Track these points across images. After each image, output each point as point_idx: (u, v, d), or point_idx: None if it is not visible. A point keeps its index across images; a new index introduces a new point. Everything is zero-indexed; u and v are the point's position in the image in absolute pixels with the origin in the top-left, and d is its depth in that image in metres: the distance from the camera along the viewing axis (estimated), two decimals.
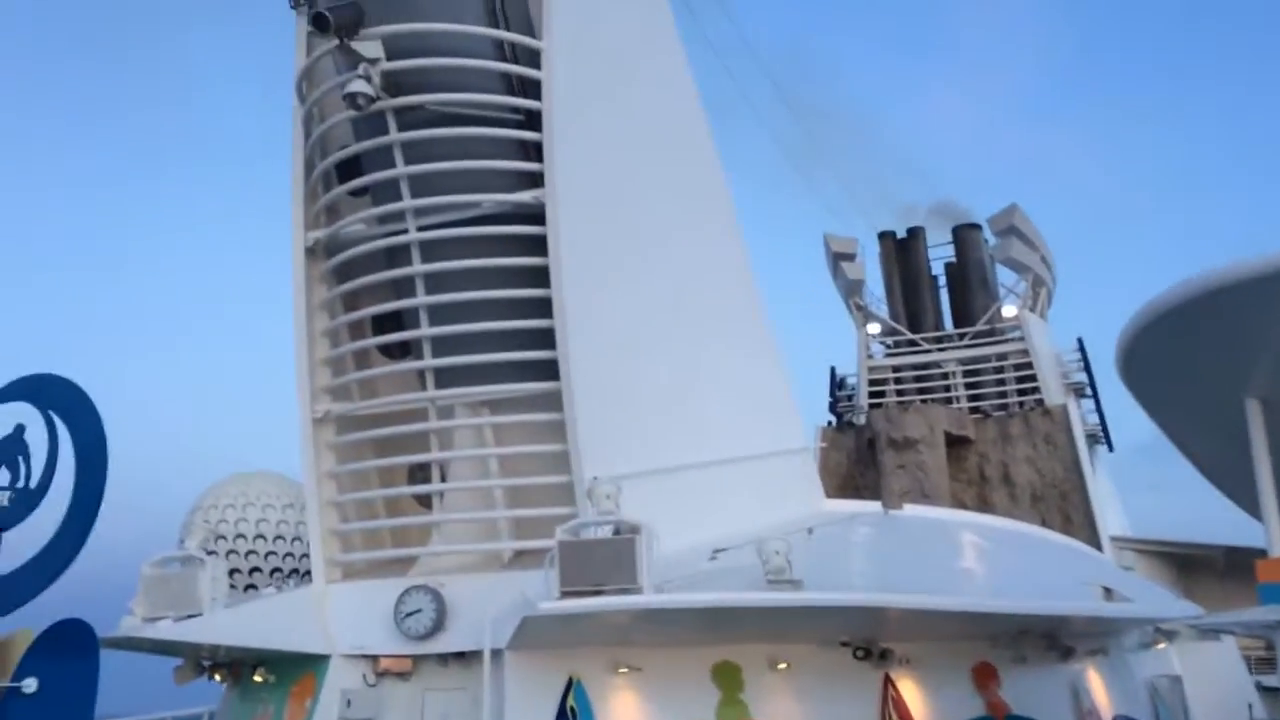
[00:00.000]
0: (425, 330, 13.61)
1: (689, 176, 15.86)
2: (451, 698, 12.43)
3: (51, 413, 8.03)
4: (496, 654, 11.79)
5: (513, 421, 13.54)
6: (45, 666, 7.48)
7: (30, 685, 7.45)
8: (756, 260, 16.59)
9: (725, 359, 15.34)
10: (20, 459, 8.01)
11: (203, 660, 14.50)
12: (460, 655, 12.45)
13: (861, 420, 30.76)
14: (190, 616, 12.98)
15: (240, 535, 16.77)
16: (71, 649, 7.63)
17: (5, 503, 7.85)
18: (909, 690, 12.37)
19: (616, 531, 11.20)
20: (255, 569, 16.75)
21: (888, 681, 12.26)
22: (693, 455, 13.77)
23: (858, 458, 29.45)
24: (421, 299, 13.59)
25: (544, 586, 10.99)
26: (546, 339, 13.14)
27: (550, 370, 13.11)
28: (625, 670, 11.74)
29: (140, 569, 13.37)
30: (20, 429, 8.06)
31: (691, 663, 12.01)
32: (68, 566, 7.86)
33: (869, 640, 12.23)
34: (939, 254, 35.61)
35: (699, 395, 14.52)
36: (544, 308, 13.17)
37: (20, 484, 7.91)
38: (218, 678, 14.76)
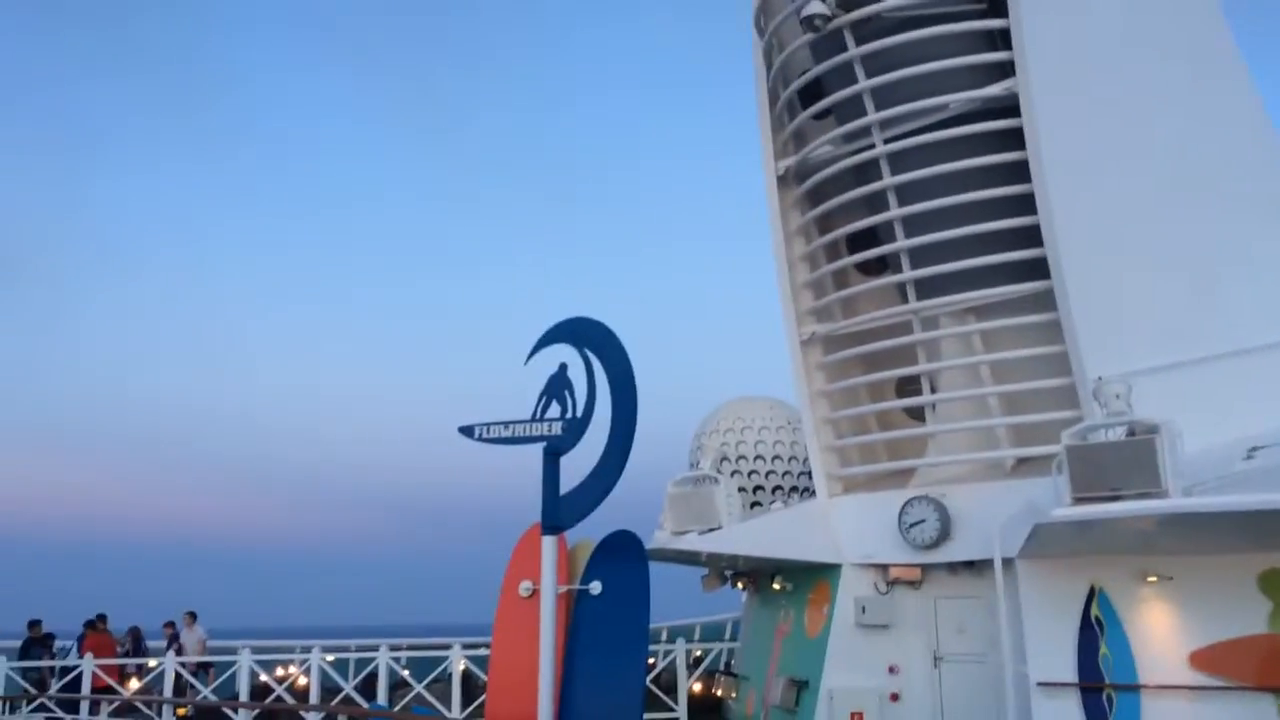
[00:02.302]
0: (902, 243, 13.51)
1: (1177, 26, 14.04)
2: (964, 606, 12.43)
3: (587, 351, 9.08)
4: (1008, 563, 11.57)
5: (1003, 326, 13.08)
6: (606, 571, 8.56)
7: (596, 587, 8.55)
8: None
9: (1246, 231, 13.54)
10: (566, 393, 9.17)
11: (724, 570, 15.80)
12: (969, 564, 12.39)
13: None
14: (711, 530, 14.19)
15: (742, 457, 17.77)
16: (625, 556, 8.65)
17: (559, 431, 9.03)
18: None
19: (1131, 433, 10.43)
20: (758, 487, 17.67)
21: None
22: (1214, 345, 12.39)
23: None
24: (895, 211, 13.49)
25: (1053, 494, 10.56)
26: (1032, 237, 12.48)
27: (1039, 269, 12.46)
28: (1154, 579, 10.97)
29: (665, 488, 14.84)
30: (564, 367, 9.21)
31: (1232, 570, 10.92)
32: (614, 484, 8.89)
33: None
34: None
35: (1216, 276, 12.98)
36: (1026, 204, 12.51)
37: (569, 415, 9.05)
38: (740, 585, 16.01)
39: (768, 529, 14.16)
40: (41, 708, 15.71)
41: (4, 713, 14.80)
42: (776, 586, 14.82)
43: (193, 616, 18.82)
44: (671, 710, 17.53)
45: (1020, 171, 12.53)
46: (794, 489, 17.33)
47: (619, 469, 8.81)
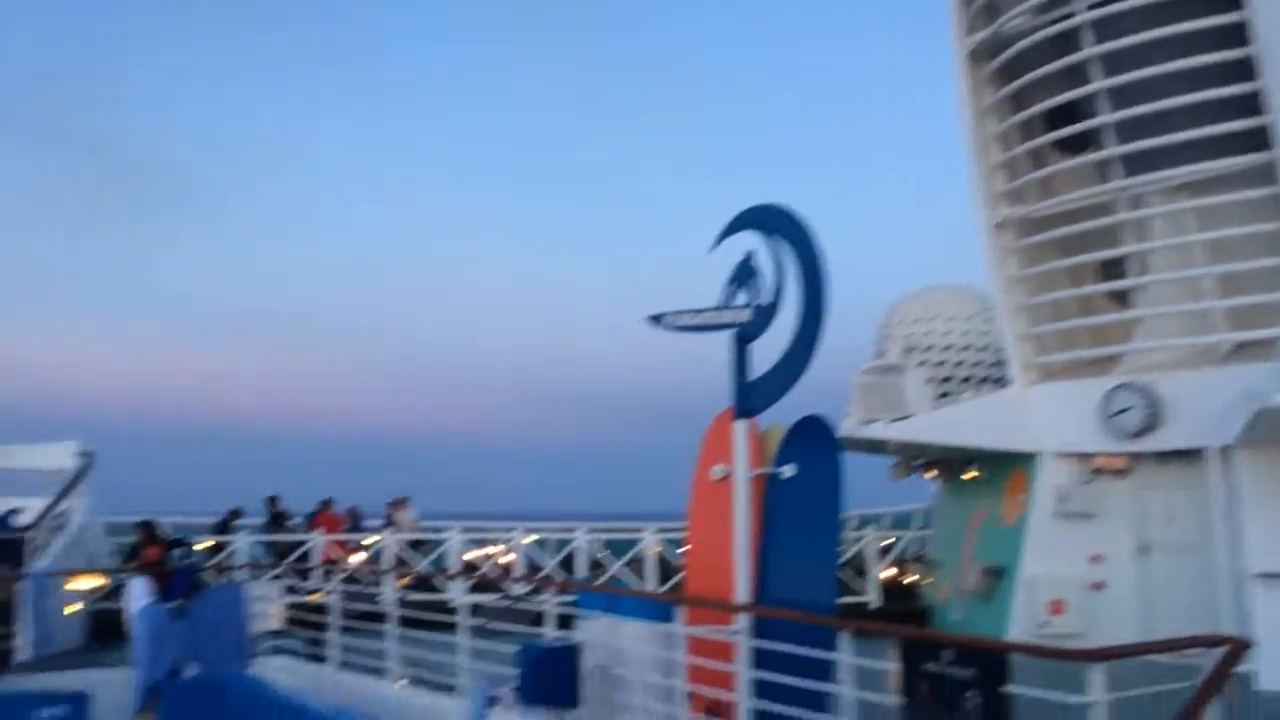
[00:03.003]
0: (1108, 116, 12.74)
1: None
2: (1174, 495, 12.00)
3: (775, 237, 9.06)
4: (1224, 451, 11.06)
5: (1219, 203, 12.25)
6: (799, 455, 8.66)
7: (789, 470, 8.68)
8: None
9: None
10: (754, 280, 9.19)
11: (913, 459, 15.71)
12: (1180, 453, 11.90)
13: None
14: (899, 419, 14.09)
15: (930, 347, 17.42)
16: (817, 440, 8.72)
17: (748, 318, 9.10)
18: None
19: None
20: (946, 378, 17.34)
21: None
22: None
23: None
24: (1101, 83, 12.70)
25: (1275, 378, 9.99)
26: (1251, 106, 11.57)
27: (1258, 140, 11.57)
28: None
29: (853, 377, 14.79)
30: (751, 254, 9.22)
31: None
32: (803, 371, 8.92)
33: None
34: None
35: None
36: (1244, 70, 11.58)
37: (757, 302, 9.10)
38: (930, 475, 15.90)
39: (961, 418, 13.96)
40: (280, 577, 17.36)
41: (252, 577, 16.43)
42: (970, 475, 14.65)
43: (405, 501, 20.24)
44: (863, 596, 17.75)
45: (1238, 35, 11.58)
46: (984, 379, 16.92)
47: (808, 356, 8.83)
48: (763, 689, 7.52)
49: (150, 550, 13.96)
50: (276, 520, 19.61)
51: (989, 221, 14.35)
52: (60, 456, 18.14)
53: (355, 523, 20.19)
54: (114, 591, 13.86)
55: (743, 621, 7.85)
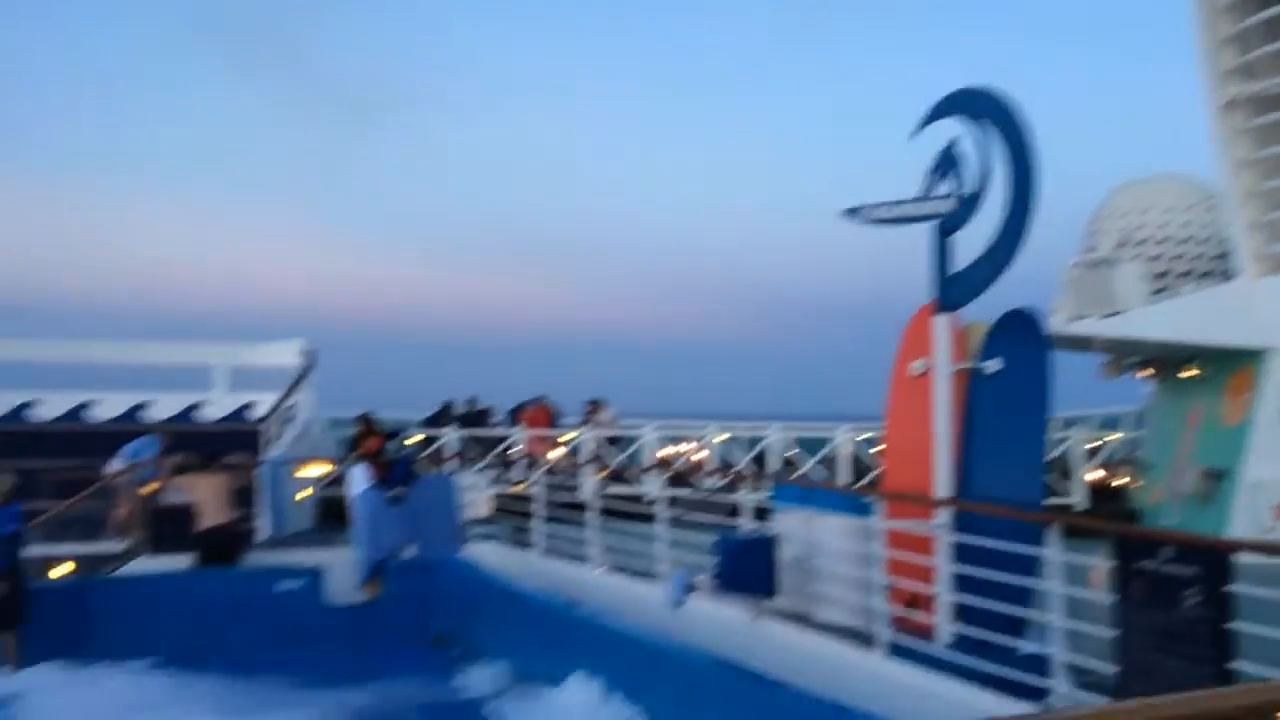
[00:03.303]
0: None
1: None
2: None
3: (981, 122, 8.63)
4: None
5: None
6: (1004, 349, 8.37)
7: (993, 365, 8.41)
8: None
9: None
10: (958, 168, 8.80)
11: (1126, 357, 14.93)
12: None
13: None
14: (1111, 315, 13.39)
15: (1145, 239, 16.42)
16: (1024, 334, 8.39)
17: (951, 209, 8.75)
18: None
19: None
20: (1163, 272, 16.33)
21: None
22: None
23: None
24: None
25: None
26: None
27: None
28: None
29: (1062, 270, 14.11)
30: (954, 141, 8.82)
31: None
32: (1009, 263, 8.54)
33: None
34: None
35: None
36: None
37: (960, 191, 8.72)
38: (1143, 374, 15.09)
39: (1181, 312, 13.16)
40: (487, 470, 18.31)
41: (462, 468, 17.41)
42: (1188, 373, 13.82)
43: (602, 403, 20.86)
44: (1068, 499, 17.19)
45: None
46: (1206, 273, 15.85)
47: (1014, 248, 8.44)
48: (963, 583, 7.46)
49: (369, 442, 14.90)
50: (473, 418, 20.65)
51: (1217, 101, 13.24)
52: (286, 355, 19.54)
53: (555, 420, 20.98)
54: (338, 479, 14.93)
55: (944, 516, 7.77)
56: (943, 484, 8.29)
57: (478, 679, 10.63)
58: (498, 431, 20.50)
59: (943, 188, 8.83)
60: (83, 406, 19.02)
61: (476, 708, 9.85)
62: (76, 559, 12.85)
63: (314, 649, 11.57)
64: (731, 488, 15.80)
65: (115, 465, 14.11)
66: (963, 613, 7.54)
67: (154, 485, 13.49)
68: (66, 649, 10.82)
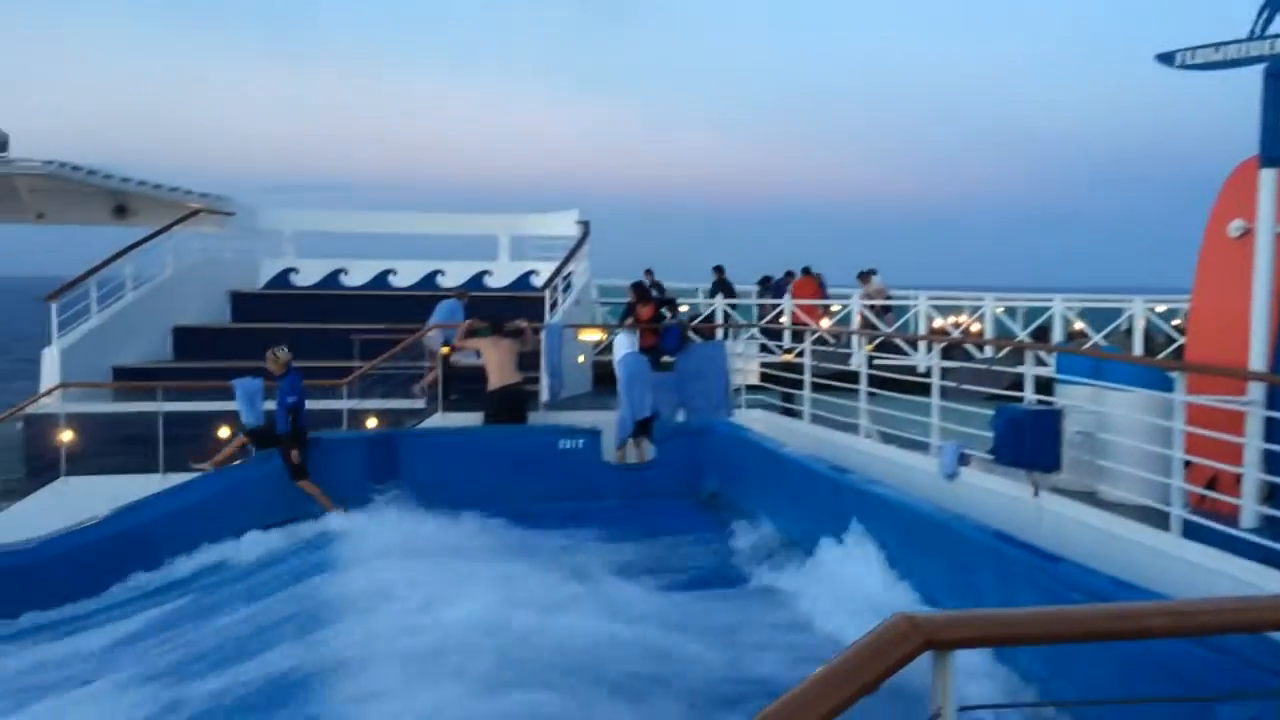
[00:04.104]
0: None
1: None
2: None
3: None
4: None
5: None
6: None
7: None
8: None
9: None
10: None
11: None
12: None
13: None
14: None
15: None
16: None
17: None
18: None
19: None
20: None
21: None
22: None
23: None
24: None
25: None
26: None
27: None
28: None
29: None
30: None
31: None
32: None
33: None
34: None
35: None
36: None
37: None
38: None
39: None
40: (754, 338, 18.45)
41: (728, 337, 17.66)
42: None
43: (872, 273, 20.35)
44: None
45: None
46: None
47: None
48: (1274, 463, 6.83)
49: (643, 309, 15.32)
50: (721, 288, 20.80)
51: None
52: (564, 224, 20.30)
53: (823, 290, 20.74)
54: (610, 345, 15.49)
55: (1257, 391, 7.08)
56: (1257, 357, 7.55)
57: (747, 539, 10.92)
58: (766, 301, 20.55)
59: (1277, 25, 7.81)
60: (386, 274, 20.65)
61: (747, 567, 10.15)
62: (381, 413, 14.09)
63: (593, 504, 12.26)
64: (1011, 359, 15.12)
65: (432, 325, 15.21)
66: (1272, 494, 6.93)
67: (447, 349, 14.52)
68: (375, 493, 12.01)
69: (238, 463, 12.33)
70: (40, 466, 13.12)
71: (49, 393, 14.00)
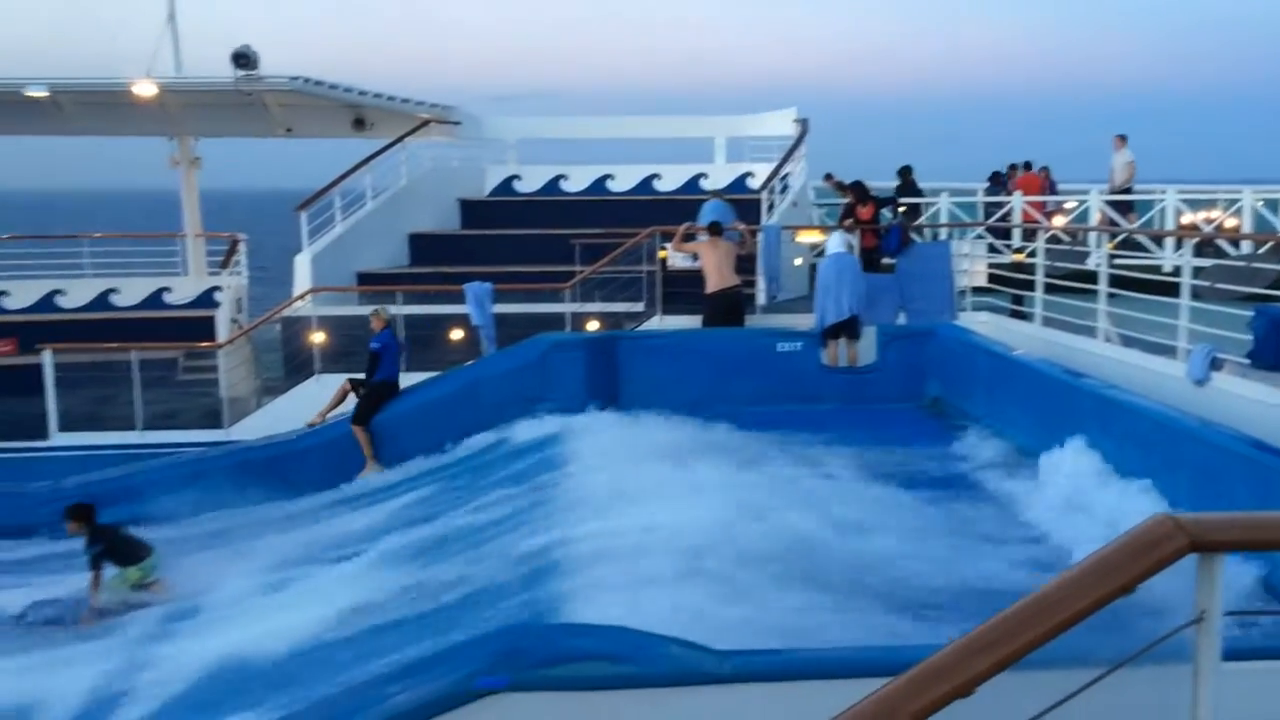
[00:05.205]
0: None
1: None
2: None
3: None
4: None
5: None
6: None
7: None
8: None
9: None
10: None
11: None
12: None
13: None
14: None
15: None
16: None
17: None
18: None
19: None
20: None
21: None
22: None
23: None
24: None
25: None
26: None
27: None
28: None
29: None
30: None
31: None
32: None
33: None
34: None
35: None
36: None
37: None
38: None
39: None
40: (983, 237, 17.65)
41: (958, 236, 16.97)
42: None
43: (1123, 140, 18.78)
44: None
45: None
46: None
47: None
48: None
49: (863, 210, 14.92)
50: (906, 190, 19.70)
51: None
52: (780, 124, 19.90)
53: (1051, 187, 19.53)
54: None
55: None
56: None
57: (973, 446, 10.60)
58: (995, 199, 19.56)
59: None
60: (604, 179, 20.94)
61: (975, 474, 9.88)
62: (602, 316, 14.42)
63: (813, 407, 12.18)
64: (1273, 256, 13.86)
65: (699, 225, 15.08)
66: None
67: (664, 252, 14.63)
68: (603, 393, 12.35)
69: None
70: (296, 365, 14.28)
71: (301, 297, 15.12)
